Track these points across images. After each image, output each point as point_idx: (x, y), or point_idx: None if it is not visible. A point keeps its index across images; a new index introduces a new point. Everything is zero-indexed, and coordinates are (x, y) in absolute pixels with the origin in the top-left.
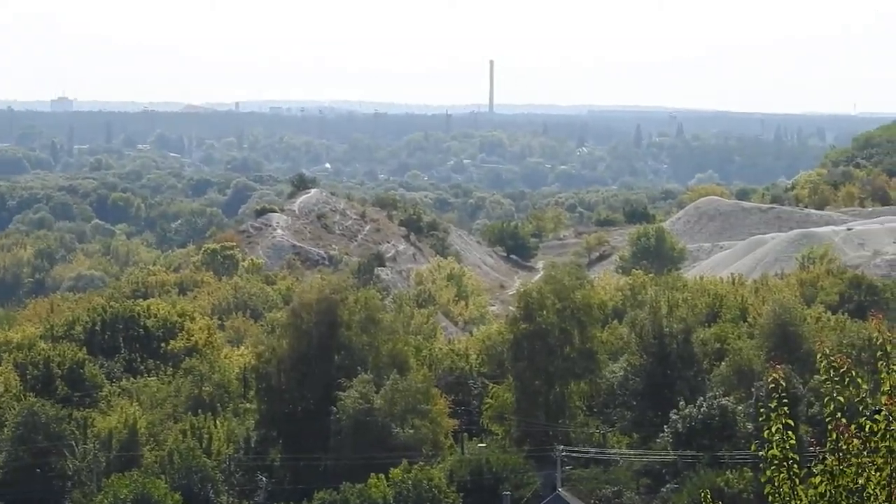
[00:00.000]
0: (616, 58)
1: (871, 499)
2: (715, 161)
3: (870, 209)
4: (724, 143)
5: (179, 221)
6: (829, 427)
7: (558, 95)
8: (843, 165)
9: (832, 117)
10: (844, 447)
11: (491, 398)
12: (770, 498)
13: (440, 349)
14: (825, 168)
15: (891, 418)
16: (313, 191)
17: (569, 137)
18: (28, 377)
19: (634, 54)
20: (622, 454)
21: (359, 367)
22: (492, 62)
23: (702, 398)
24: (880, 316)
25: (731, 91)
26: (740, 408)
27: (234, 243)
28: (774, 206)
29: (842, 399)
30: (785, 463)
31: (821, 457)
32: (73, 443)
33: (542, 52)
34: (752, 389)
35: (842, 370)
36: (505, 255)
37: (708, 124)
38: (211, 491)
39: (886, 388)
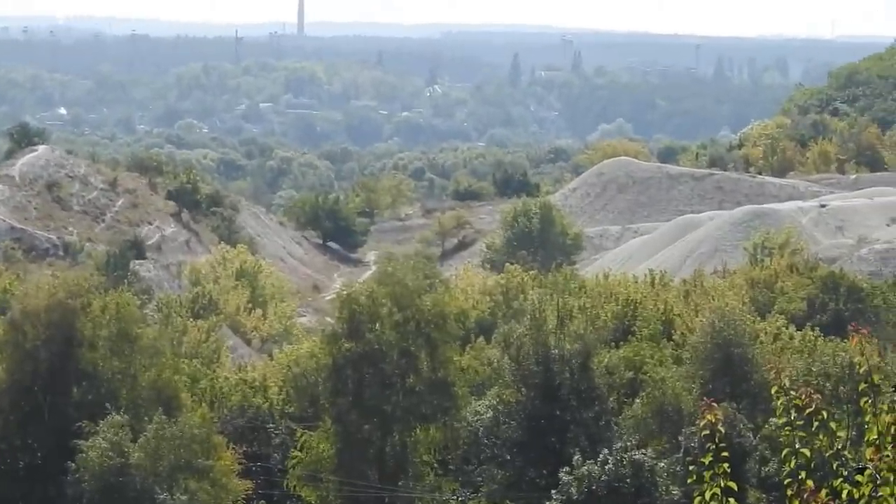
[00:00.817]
0: None
1: None
2: (627, 106)
3: (853, 177)
4: (642, 81)
5: None
6: (790, 492)
7: (399, 10)
8: (814, 112)
9: (799, 42)
10: None
11: (300, 450)
12: None
13: (226, 379)
14: (788, 117)
15: (878, 479)
16: (41, 148)
17: (414, 71)
18: None
19: None
20: None
21: (108, 405)
22: None
23: (606, 451)
24: (866, 332)
25: (653, 5)
26: (662, 464)
27: None
28: (714, 171)
29: (808, 452)
30: None
31: None
32: None
33: None
34: (680, 438)
35: (809, 411)
36: (321, 242)
37: (618, 52)
38: None
39: (873, 435)
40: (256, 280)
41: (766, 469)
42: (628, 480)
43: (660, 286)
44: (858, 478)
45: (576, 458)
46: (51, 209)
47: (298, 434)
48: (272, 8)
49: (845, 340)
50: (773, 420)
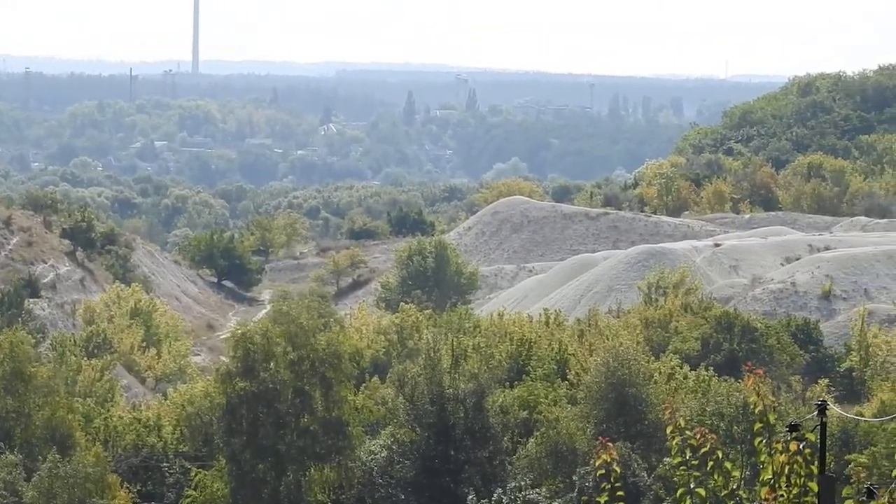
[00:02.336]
0: None
1: None
2: (522, 145)
3: (747, 216)
4: (537, 120)
5: None
6: None
7: (294, 48)
8: (708, 151)
9: (693, 82)
10: None
11: (194, 489)
12: None
13: (120, 418)
14: (683, 156)
15: None
16: None
17: (309, 110)
18: None
19: None
20: None
21: (1, 444)
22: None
23: (500, 490)
24: (760, 372)
25: (547, 44)
26: (557, 503)
27: None
28: (608, 210)
29: (703, 492)
30: None
31: None
32: None
33: None
34: (574, 478)
35: (704, 450)
36: (215, 280)
37: (512, 91)
38: None
39: (767, 475)
40: (151, 319)
41: None
42: None
43: (554, 326)
44: None
45: (470, 497)
46: None
47: (193, 473)
48: (166, 46)
49: (739, 380)
50: (667, 460)
